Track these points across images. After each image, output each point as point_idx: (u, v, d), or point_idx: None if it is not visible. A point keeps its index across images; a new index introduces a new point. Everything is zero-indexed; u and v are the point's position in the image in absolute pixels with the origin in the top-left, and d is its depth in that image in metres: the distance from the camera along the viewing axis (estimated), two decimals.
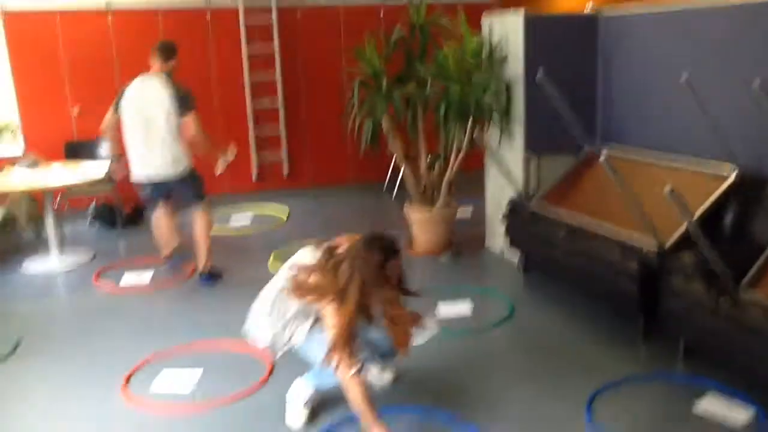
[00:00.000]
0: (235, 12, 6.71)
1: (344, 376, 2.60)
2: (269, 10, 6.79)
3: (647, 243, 3.51)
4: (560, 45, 4.64)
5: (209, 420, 3.02)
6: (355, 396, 2.62)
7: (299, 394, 2.95)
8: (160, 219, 4.90)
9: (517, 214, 4.60)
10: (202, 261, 4.77)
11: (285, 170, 7.20)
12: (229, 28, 6.74)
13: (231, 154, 4.86)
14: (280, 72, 6.93)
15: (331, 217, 6.57)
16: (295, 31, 6.96)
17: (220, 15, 6.76)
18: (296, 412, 2.93)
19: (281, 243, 5.49)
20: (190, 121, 4.49)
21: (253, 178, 7.09)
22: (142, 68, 6.33)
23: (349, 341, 2.59)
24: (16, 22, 6.19)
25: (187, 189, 4.69)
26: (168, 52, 4.60)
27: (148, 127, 4.50)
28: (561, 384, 3.23)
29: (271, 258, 5.08)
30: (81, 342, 3.88)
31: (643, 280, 3.49)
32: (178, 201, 4.86)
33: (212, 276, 4.80)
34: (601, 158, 3.34)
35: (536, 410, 3.00)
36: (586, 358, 3.51)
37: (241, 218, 6.50)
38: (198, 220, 4.72)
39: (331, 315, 2.62)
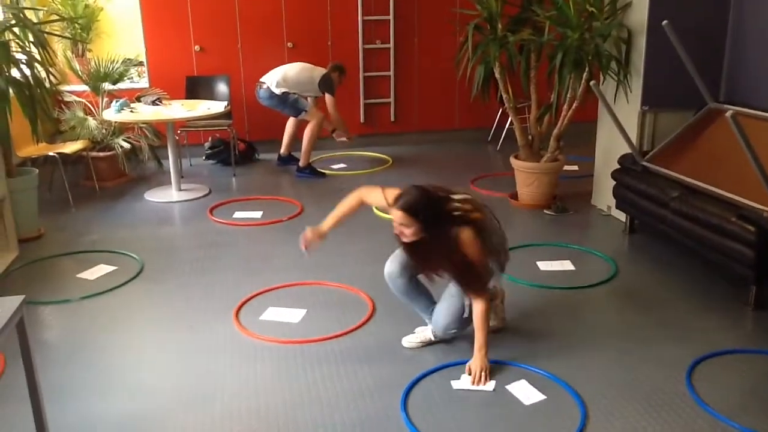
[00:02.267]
0: None
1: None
2: None
3: (767, 208, 3.33)
4: None
5: (314, 351, 3.19)
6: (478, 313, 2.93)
7: (422, 332, 3.24)
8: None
9: (628, 170, 4.45)
10: (302, 158, 6.14)
11: (392, 114, 7.22)
12: None
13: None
14: (393, 12, 6.88)
15: (434, 164, 6.58)
16: None
17: None
18: (411, 340, 3.23)
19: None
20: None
21: (361, 119, 7.16)
22: (261, 9, 6.47)
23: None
24: None
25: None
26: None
27: None
28: (661, 348, 3.16)
29: (374, 207, 5.16)
30: (195, 272, 4.14)
31: (759, 247, 3.33)
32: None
33: (306, 171, 6.13)
34: (727, 114, 3.17)
35: (634, 373, 2.97)
36: (690, 324, 3.41)
37: (345, 160, 6.64)
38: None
39: None
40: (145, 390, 2.91)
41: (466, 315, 3.03)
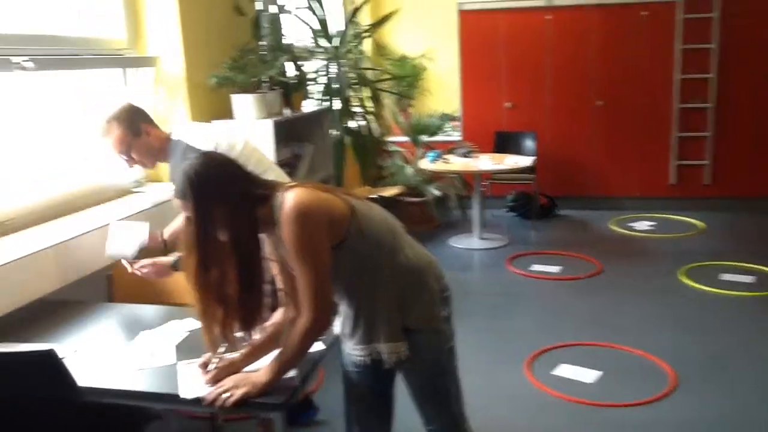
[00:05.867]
0: (672, 5, 6.45)
1: None
2: (710, 3, 6.37)
3: None
4: None
5: (607, 416, 3.10)
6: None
7: None
8: None
9: None
10: None
11: (707, 176, 6.72)
12: (664, 22, 6.50)
13: None
14: (716, 69, 6.46)
15: (754, 233, 5.97)
16: (734, 25, 6.39)
17: (656, 8, 6.54)
18: None
19: (692, 256, 5.23)
20: None
21: (671, 181, 6.78)
22: (571, 67, 6.50)
23: None
24: (469, 20, 6.90)
25: None
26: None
27: None
28: None
29: (679, 274, 4.88)
30: (490, 317, 4.29)
31: None
32: None
33: None
34: None
35: None
36: None
37: (652, 222, 6.35)
38: None
39: None
40: None
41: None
